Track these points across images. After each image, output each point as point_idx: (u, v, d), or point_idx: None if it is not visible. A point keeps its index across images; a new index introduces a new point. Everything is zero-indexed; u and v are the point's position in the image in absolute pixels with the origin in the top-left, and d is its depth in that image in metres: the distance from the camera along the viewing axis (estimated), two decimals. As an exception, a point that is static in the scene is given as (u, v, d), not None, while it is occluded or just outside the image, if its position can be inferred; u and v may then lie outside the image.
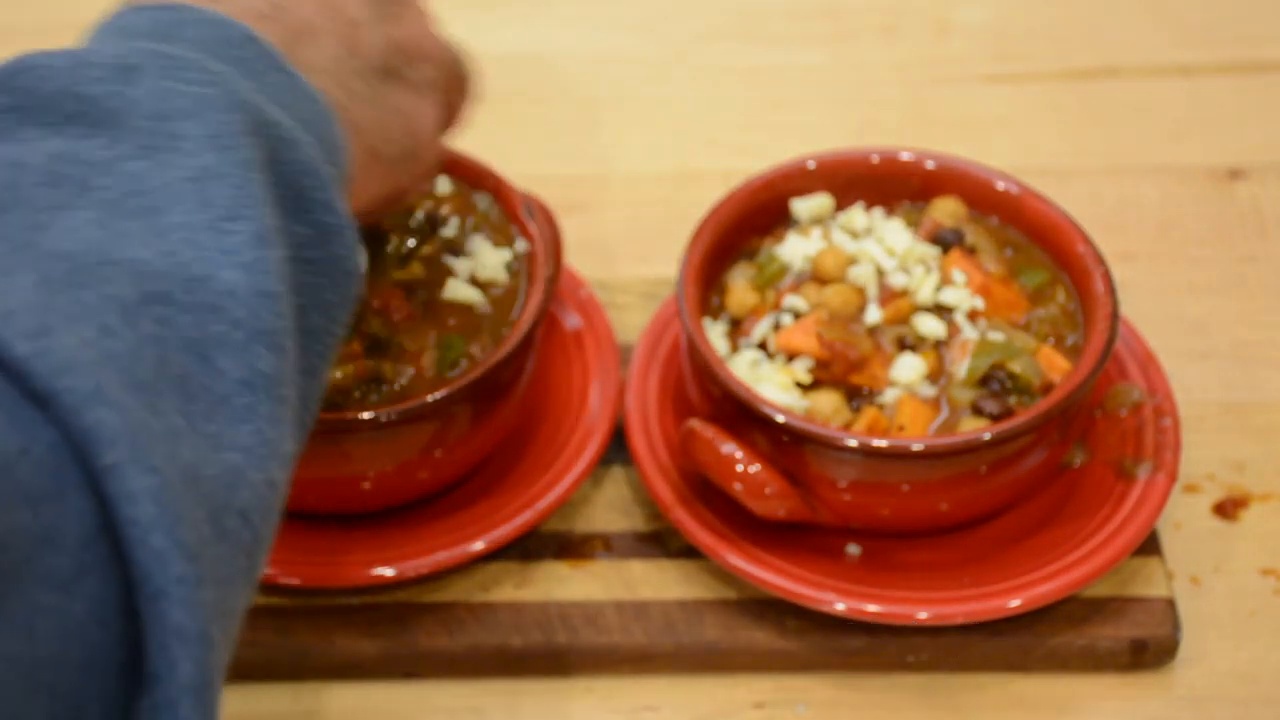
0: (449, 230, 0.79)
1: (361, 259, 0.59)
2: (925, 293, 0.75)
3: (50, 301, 0.46)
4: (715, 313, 0.78)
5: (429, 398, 0.71)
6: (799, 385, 0.73)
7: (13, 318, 0.45)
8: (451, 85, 0.70)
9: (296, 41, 0.61)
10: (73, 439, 0.44)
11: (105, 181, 0.50)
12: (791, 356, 0.74)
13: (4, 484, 0.42)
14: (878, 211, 0.80)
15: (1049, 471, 0.75)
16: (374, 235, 0.78)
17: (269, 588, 0.75)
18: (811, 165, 0.81)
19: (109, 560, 0.44)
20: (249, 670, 0.73)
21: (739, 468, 0.72)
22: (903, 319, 0.75)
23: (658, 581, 0.76)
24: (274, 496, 0.51)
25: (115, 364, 0.46)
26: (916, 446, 0.70)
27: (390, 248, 0.77)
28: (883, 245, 0.77)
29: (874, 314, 0.74)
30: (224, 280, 0.50)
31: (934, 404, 0.73)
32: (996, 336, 0.74)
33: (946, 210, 0.79)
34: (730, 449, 0.72)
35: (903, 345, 0.74)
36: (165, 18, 0.58)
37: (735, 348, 0.76)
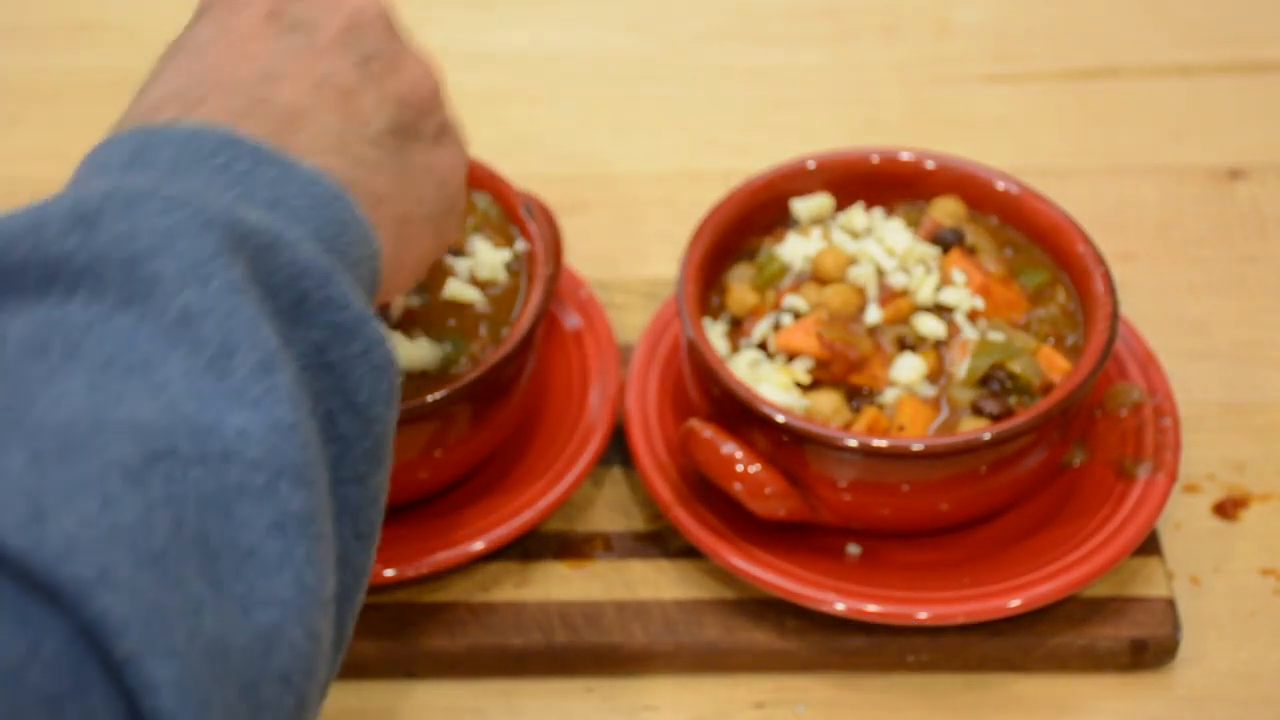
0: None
1: (394, 345, 0.55)
2: (925, 293, 0.75)
3: (43, 481, 0.43)
4: (715, 313, 0.78)
5: (429, 398, 0.71)
6: (799, 385, 0.73)
7: (3, 507, 0.41)
8: (455, 133, 0.66)
9: (288, 129, 0.57)
10: (87, 630, 0.41)
11: (90, 344, 0.47)
12: (791, 356, 0.74)
13: (16, 690, 0.40)
14: (878, 211, 0.80)
15: (1049, 471, 0.75)
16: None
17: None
18: (811, 165, 0.81)
19: None
20: (249, 670, 0.73)
21: (739, 468, 0.72)
22: (903, 319, 0.75)
23: (657, 581, 0.76)
24: (317, 649, 0.48)
25: (122, 539, 0.43)
26: (916, 446, 0.70)
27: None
28: (883, 245, 0.77)
29: (874, 314, 0.74)
30: (233, 423, 0.47)
31: (934, 404, 0.73)
32: (996, 336, 0.74)
33: (946, 210, 0.79)
34: (730, 449, 0.72)
35: (903, 345, 0.74)
36: (139, 143, 0.54)
37: (735, 348, 0.76)
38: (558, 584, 0.76)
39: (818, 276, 0.76)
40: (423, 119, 0.62)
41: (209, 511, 0.45)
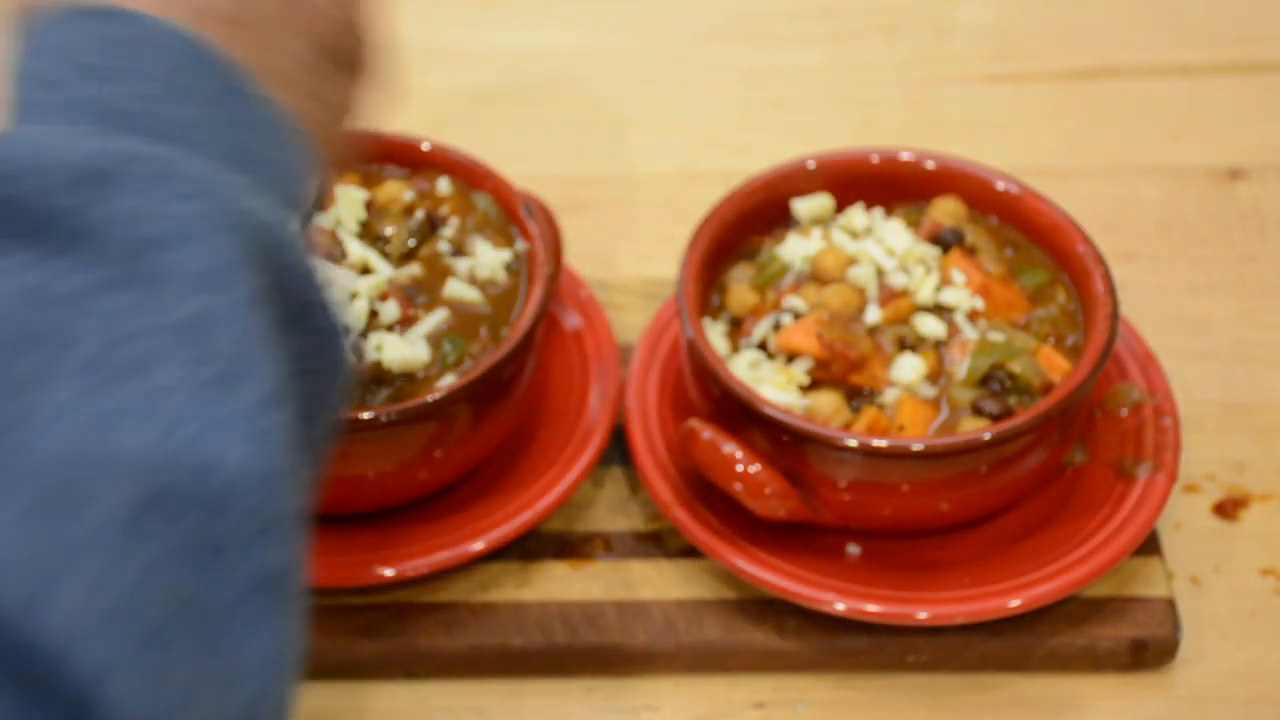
0: (449, 230, 0.79)
1: (350, 349, 0.53)
2: (925, 293, 0.75)
3: (41, 538, 0.40)
4: (715, 313, 0.78)
5: (429, 398, 0.71)
6: (799, 385, 0.73)
7: (5, 575, 0.39)
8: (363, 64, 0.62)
9: (249, 40, 0.53)
10: (86, 706, 0.39)
11: (83, 329, 0.43)
12: (791, 357, 0.74)
13: None
14: (878, 211, 0.80)
15: (1049, 471, 0.75)
16: (375, 235, 0.78)
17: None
18: (811, 165, 0.81)
19: None
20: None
21: (739, 468, 0.72)
22: (903, 319, 0.75)
23: (658, 581, 0.76)
24: (287, 708, 0.46)
25: (124, 611, 0.40)
26: (916, 446, 0.70)
27: (390, 248, 0.77)
28: (883, 245, 0.77)
29: (874, 314, 0.74)
30: (230, 464, 0.43)
31: (934, 404, 0.73)
32: (996, 336, 0.74)
33: (946, 210, 0.79)
34: (730, 449, 0.72)
35: (903, 345, 0.74)
36: (115, 35, 0.50)
37: (735, 348, 0.76)
38: (558, 584, 0.76)
39: (818, 276, 0.76)
40: (346, 45, 0.59)
41: (196, 567, 0.43)
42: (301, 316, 0.49)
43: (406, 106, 0.99)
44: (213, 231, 0.46)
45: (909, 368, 0.73)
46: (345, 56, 0.59)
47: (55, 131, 0.48)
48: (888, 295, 0.75)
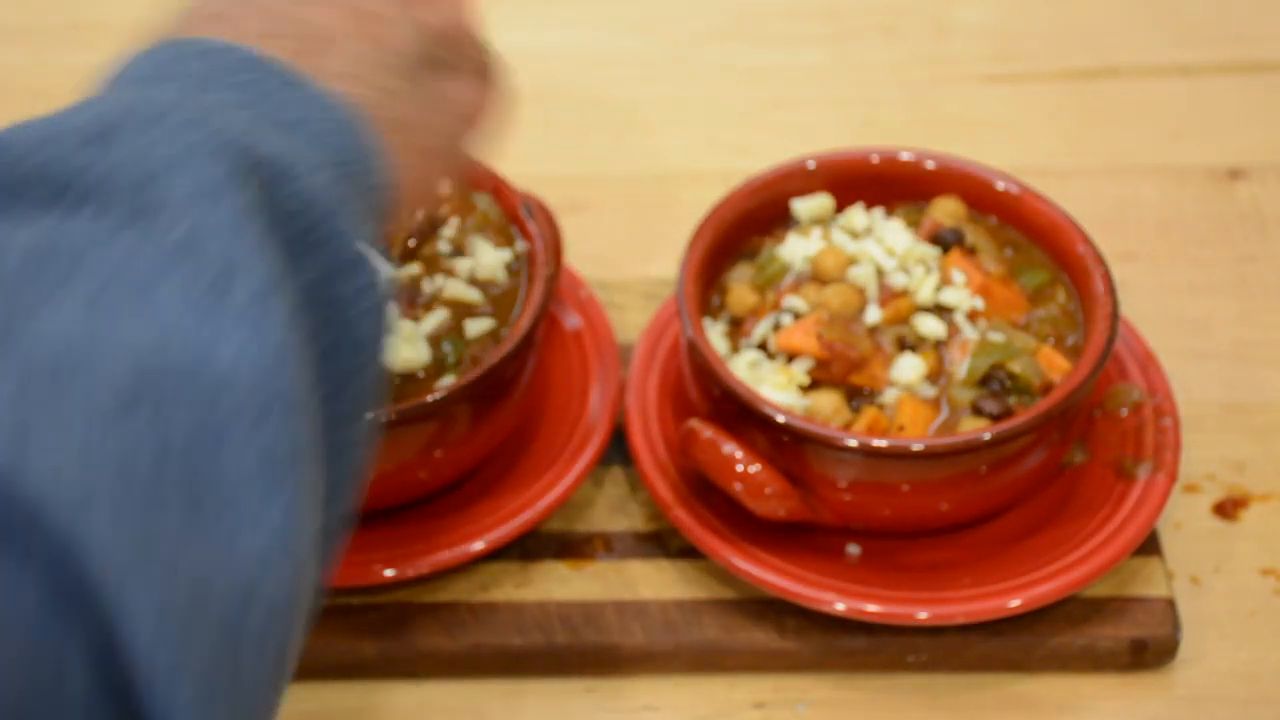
0: (449, 230, 0.79)
1: (389, 297, 0.55)
2: (925, 293, 0.75)
3: (30, 403, 0.42)
4: (715, 313, 0.78)
5: (429, 398, 0.71)
6: (799, 385, 0.73)
7: None
8: (484, 70, 0.66)
9: (311, 52, 0.57)
10: (65, 553, 0.40)
11: (92, 262, 0.46)
12: (791, 357, 0.74)
13: None
14: (878, 211, 0.80)
15: (1049, 471, 0.75)
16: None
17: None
18: (811, 165, 0.81)
19: (116, 691, 0.41)
20: (249, 670, 0.73)
21: (739, 468, 0.72)
22: (903, 319, 0.75)
23: (658, 581, 0.76)
24: (305, 581, 0.47)
25: (107, 465, 0.42)
26: (916, 446, 0.70)
27: (391, 248, 0.77)
28: (883, 245, 0.77)
29: (874, 314, 0.74)
30: (229, 345, 0.46)
31: (934, 404, 0.73)
32: (996, 336, 0.74)
33: (946, 210, 0.79)
34: (730, 449, 0.72)
35: (903, 345, 0.74)
36: (167, 55, 0.54)
37: (735, 348, 0.76)
38: (558, 584, 0.76)
39: (818, 276, 0.76)
40: (452, 52, 0.62)
41: (197, 440, 0.44)
42: (309, 246, 0.51)
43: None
44: (204, 156, 0.49)
45: (909, 368, 0.73)
46: (449, 62, 0.62)
47: (70, 105, 0.51)
48: (888, 295, 0.75)
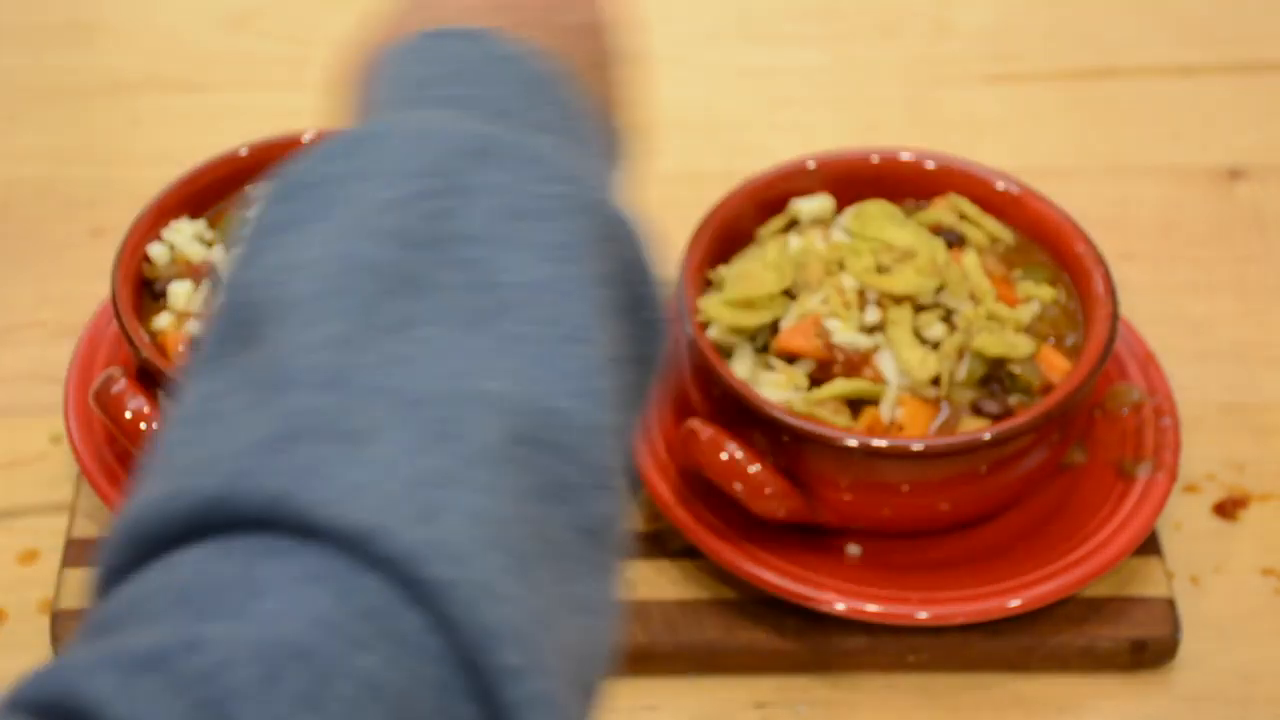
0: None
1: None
2: (925, 293, 0.75)
3: (428, 468, 0.41)
4: (715, 313, 0.78)
5: (429, 398, 0.71)
6: (799, 385, 0.73)
7: (397, 499, 0.40)
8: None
9: (568, 44, 0.57)
10: (464, 640, 0.40)
11: (447, 276, 0.46)
12: (792, 358, 0.74)
13: (398, 706, 0.38)
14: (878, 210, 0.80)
15: (1049, 471, 0.75)
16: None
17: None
18: (811, 165, 0.81)
19: None
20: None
21: (739, 468, 0.72)
22: (903, 319, 0.75)
23: (657, 581, 0.76)
24: (615, 652, 0.47)
25: (499, 538, 0.41)
26: (916, 446, 0.70)
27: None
28: (883, 245, 0.77)
29: (874, 314, 0.74)
30: (576, 416, 0.45)
31: (934, 404, 0.73)
32: (996, 337, 0.74)
33: (947, 210, 0.79)
34: (730, 449, 0.72)
35: (903, 345, 0.74)
36: (466, 52, 0.54)
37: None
38: (558, 584, 0.76)
39: (818, 277, 0.76)
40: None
41: (549, 506, 0.44)
42: (636, 307, 0.51)
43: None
44: (570, 213, 0.48)
45: (909, 367, 0.73)
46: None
47: (437, 116, 0.51)
48: (887, 296, 0.75)
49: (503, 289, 0.46)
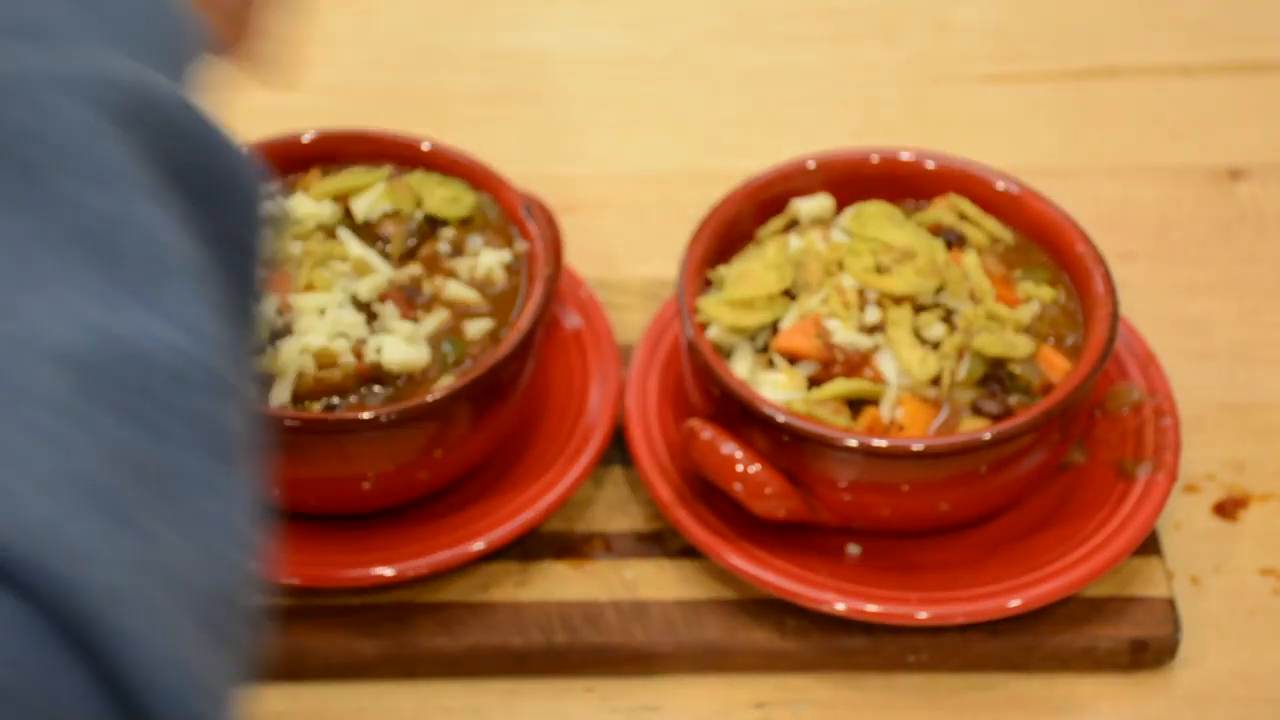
0: (449, 230, 0.79)
1: (264, 182, 0.52)
2: (925, 293, 0.75)
3: None
4: (715, 313, 0.78)
5: (429, 398, 0.71)
6: (799, 386, 0.73)
7: None
8: None
9: None
10: (54, 597, 0.39)
11: None
12: (792, 359, 0.74)
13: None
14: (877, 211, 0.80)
15: (1049, 471, 0.75)
16: (374, 235, 0.78)
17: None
18: (811, 165, 0.81)
19: (122, 700, 0.41)
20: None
21: (739, 468, 0.72)
22: (903, 319, 0.75)
23: (658, 581, 0.76)
24: (255, 581, 0.46)
25: (78, 487, 0.41)
26: (916, 446, 0.70)
27: (390, 248, 0.77)
28: (882, 244, 0.77)
29: (874, 314, 0.74)
30: (157, 345, 0.45)
31: (934, 404, 0.73)
32: (996, 337, 0.74)
33: (947, 210, 0.79)
34: (730, 449, 0.72)
35: (903, 345, 0.74)
36: None
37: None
38: (558, 584, 0.76)
39: (817, 276, 0.76)
40: None
41: (148, 437, 0.43)
42: (213, 195, 0.49)
43: (405, 106, 0.99)
44: (98, 133, 0.46)
45: (909, 367, 0.73)
46: None
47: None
48: (887, 296, 0.75)
49: (55, 250, 0.45)
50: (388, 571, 0.74)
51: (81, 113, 0.47)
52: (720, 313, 0.75)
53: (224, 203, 0.50)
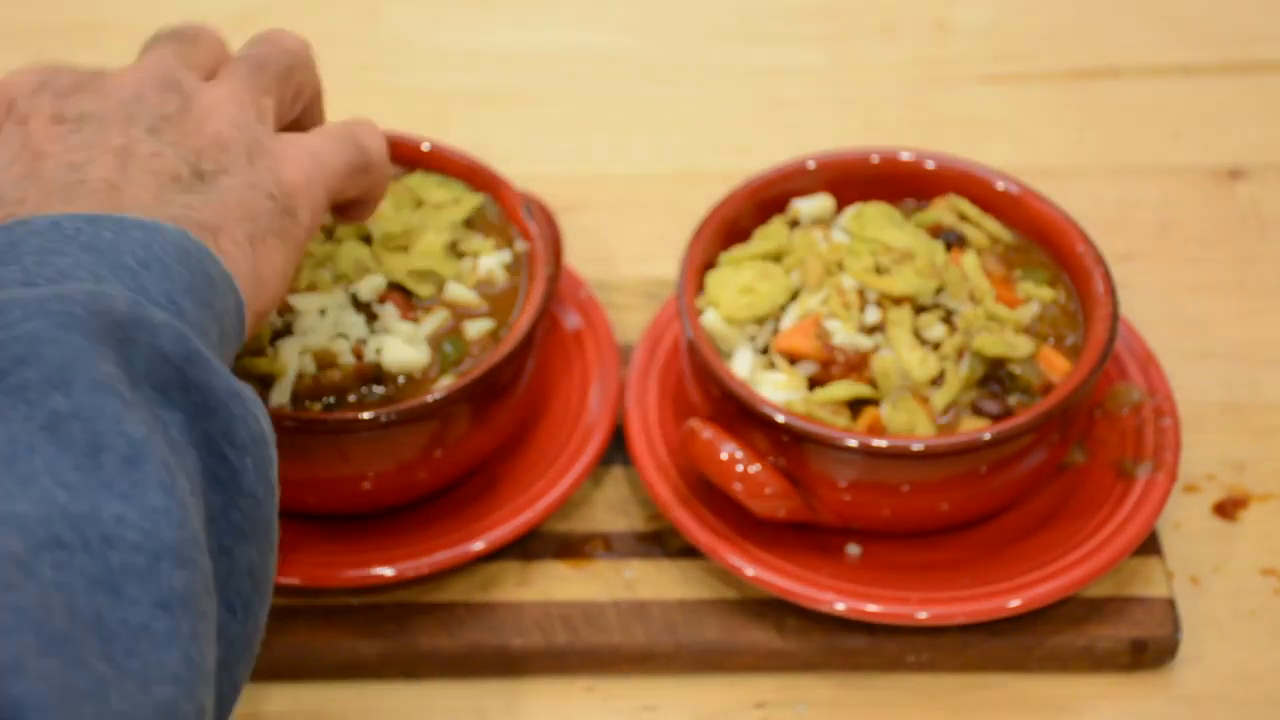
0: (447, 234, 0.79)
1: (264, 417, 0.57)
2: (925, 293, 0.75)
3: None
4: (715, 313, 0.78)
5: (429, 398, 0.71)
6: (798, 386, 0.73)
7: None
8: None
9: (112, 201, 0.59)
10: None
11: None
12: (792, 359, 0.74)
13: None
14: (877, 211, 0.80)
15: (1049, 471, 0.75)
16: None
17: (269, 588, 0.75)
18: (811, 165, 0.81)
19: None
20: (249, 670, 0.73)
21: (739, 468, 0.72)
22: (903, 320, 0.75)
23: (658, 581, 0.76)
24: (212, 713, 0.50)
25: (27, 623, 0.44)
26: (916, 446, 0.70)
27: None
28: (882, 244, 0.77)
29: (874, 314, 0.74)
30: (109, 511, 0.49)
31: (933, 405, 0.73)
32: (996, 337, 0.74)
33: (947, 210, 0.79)
34: (730, 449, 0.72)
35: (903, 345, 0.74)
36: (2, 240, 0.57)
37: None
38: (558, 584, 0.76)
39: (817, 277, 0.76)
40: (225, 154, 0.63)
41: (99, 592, 0.47)
42: (178, 393, 0.54)
43: (405, 106, 0.99)
44: (53, 337, 0.51)
45: (909, 367, 0.73)
46: (219, 166, 0.64)
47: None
48: (886, 297, 0.75)
49: (9, 444, 0.49)
50: (388, 571, 0.74)
51: (48, 325, 0.51)
52: (720, 295, 0.75)
53: (209, 414, 0.54)
